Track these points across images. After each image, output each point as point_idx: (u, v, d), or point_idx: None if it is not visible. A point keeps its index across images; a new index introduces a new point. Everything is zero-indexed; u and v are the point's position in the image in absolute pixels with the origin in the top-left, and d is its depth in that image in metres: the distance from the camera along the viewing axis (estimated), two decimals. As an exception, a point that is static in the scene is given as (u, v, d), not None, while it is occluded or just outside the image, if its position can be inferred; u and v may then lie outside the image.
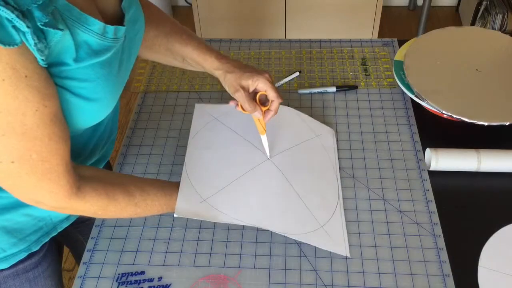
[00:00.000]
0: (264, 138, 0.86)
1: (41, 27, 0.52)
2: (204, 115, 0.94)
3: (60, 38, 0.55)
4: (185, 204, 0.77)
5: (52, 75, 0.58)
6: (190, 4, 2.46)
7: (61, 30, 0.55)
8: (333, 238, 0.81)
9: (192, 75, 1.15)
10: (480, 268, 0.77)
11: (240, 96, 0.81)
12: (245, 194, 0.82)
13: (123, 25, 0.67)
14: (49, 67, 0.57)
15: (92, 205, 0.69)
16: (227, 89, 0.84)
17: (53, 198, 0.65)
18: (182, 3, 2.85)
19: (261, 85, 0.81)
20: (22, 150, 0.58)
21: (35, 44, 0.52)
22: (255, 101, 0.83)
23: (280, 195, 0.83)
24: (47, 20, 0.52)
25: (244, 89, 0.81)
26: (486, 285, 0.75)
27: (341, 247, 0.80)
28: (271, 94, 0.81)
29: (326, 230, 0.81)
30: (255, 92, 0.83)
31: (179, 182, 0.81)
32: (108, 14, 0.67)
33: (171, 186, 0.80)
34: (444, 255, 0.79)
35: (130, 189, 0.73)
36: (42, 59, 0.54)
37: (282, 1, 2.28)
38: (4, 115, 0.54)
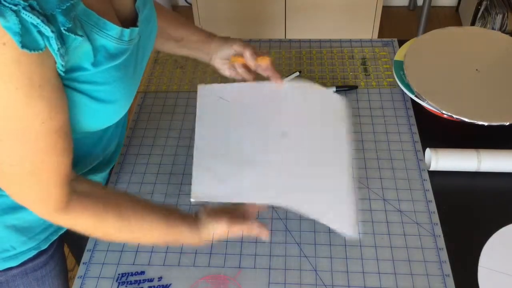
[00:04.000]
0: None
1: (64, 32, 0.52)
2: (209, 95, 0.91)
3: (78, 44, 0.55)
4: (201, 187, 0.75)
5: (71, 80, 0.58)
6: (190, 4, 2.46)
7: (81, 36, 0.55)
8: (343, 218, 0.77)
9: (192, 75, 1.15)
10: (480, 268, 0.77)
11: (238, 66, 0.92)
12: (267, 174, 0.79)
13: (136, 25, 0.68)
14: (68, 72, 0.57)
15: (78, 223, 0.67)
16: (223, 73, 0.95)
17: (41, 207, 0.64)
18: (182, 3, 2.84)
19: (237, 47, 0.91)
20: (20, 156, 0.57)
21: (58, 49, 0.52)
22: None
23: (304, 175, 0.80)
24: (70, 25, 0.52)
25: (229, 59, 0.92)
26: (486, 285, 0.75)
27: (349, 228, 0.75)
28: (248, 53, 0.89)
29: (337, 209, 0.77)
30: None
31: (188, 214, 0.75)
32: (123, 15, 0.67)
33: (178, 215, 0.74)
34: (444, 255, 0.79)
35: (125, 213, 0.68)
36: (62, 64, 0.54)
37: (282, 1, 2.28)
38: (10, 121, 0.54)
